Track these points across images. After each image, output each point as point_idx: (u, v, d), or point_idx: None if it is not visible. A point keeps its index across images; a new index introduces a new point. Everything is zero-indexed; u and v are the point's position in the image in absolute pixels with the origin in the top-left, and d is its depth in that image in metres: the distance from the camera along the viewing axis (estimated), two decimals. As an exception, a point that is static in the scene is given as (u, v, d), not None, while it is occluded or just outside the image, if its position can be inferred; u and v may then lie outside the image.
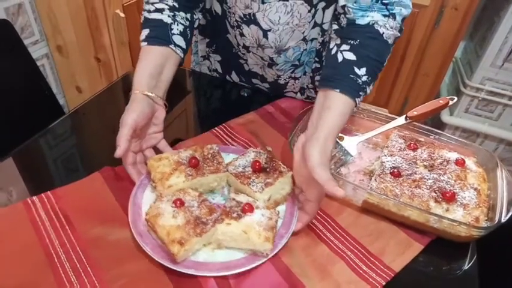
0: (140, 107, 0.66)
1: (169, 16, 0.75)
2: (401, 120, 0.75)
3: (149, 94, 0.68)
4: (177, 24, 0.75)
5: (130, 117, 0.64)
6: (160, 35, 0.73)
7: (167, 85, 0.73)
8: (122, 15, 1.40)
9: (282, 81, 0.93)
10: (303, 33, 0.80)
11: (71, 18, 1.45)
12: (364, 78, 0.65)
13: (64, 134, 0.83)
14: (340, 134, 0.78)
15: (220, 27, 0.88)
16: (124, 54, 1.53)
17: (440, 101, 0.75)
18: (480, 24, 1.86)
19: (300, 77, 0.91)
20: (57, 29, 1.50)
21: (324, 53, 0.84)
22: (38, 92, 1.11)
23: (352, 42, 0.66)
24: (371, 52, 0.66)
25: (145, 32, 0.73)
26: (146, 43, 0.72)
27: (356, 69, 0.65)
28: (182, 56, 0.76)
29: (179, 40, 0.75)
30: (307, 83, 0.93)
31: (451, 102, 0.75)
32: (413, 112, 0.74)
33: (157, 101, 0.70)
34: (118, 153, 0.62)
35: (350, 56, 0.66)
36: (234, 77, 1.00)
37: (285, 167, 0.66)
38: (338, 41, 0.68)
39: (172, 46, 0.73)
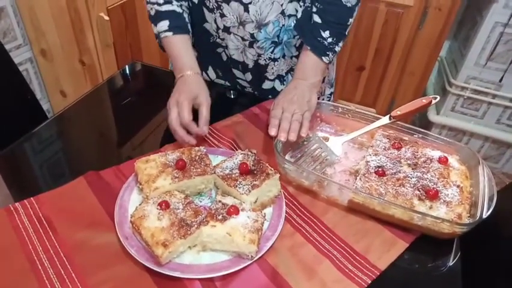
0: (194, 87, 0.76)
1: (178, 6, 0.84)
2: (385, 119, 0.76)
3: (200, 72, 0.79)
4: (185, 14, 0.83)
5: (203, 97, 0.75)
6: (180, 24, 0.82)
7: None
8: (106, 18, 1.38)
9: (262, 62, 0.93)
10: (281, 5, 0.82)
11: (55, 21, 1.42)
12: (329, 40, 0.79)
13: (49, 139, 0.82)
14: (325, 135, 0.78)
15: (197, 17, 0.90)
16: (109, 57, 1.51)
17: (423, 100, 0.76)
18: (463, 24, 1.90)
19: (279, 58, 0.91)
20: (41, 32, 1.48)
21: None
22: (21, 97, 1.09)
23: (318, 5, 0.79)
24: (332, 16, 0.78)
25: (166, 23, 0.81)
26: (171, 33, 0.81)
27: (322, 32, 0.79)
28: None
29: (191, 27, 0.84)
30: (286, 69, 0.94)
31: (433, 101, 0.76)
32: (397, 111, 0.75)
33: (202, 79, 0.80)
34: (195, 130, 0.73)
35: (317, 19, 0.79)
36: (211, 73, 1.00)
37: (272, 169, 0.66)
38: (309, 2, 0.81)
39: (190, 34, 0.83)
